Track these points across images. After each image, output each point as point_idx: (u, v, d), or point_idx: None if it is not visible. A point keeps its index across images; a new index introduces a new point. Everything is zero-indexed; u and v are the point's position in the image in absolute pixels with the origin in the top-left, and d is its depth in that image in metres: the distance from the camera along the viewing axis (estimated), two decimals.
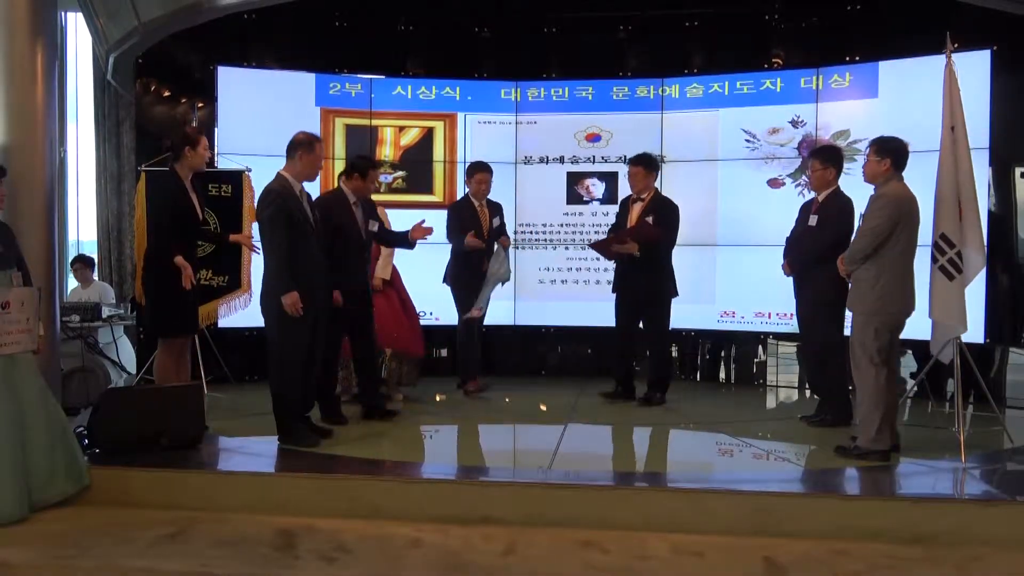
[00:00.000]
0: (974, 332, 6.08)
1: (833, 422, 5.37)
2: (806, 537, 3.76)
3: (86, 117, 9.59)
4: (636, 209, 6.19)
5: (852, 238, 4.83)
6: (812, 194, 5.73)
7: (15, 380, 4.05)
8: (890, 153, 4.57)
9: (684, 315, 7.10)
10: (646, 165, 6.18)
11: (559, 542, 3.75)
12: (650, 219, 6.07)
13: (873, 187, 4.70)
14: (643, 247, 6.00)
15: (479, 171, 6.53)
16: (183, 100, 7.36)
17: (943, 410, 5.64)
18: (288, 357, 4.77)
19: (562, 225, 7.55)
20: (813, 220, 5.40)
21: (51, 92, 4.97)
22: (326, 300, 4.97)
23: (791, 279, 5.64)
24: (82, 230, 10.07)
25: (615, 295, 6.35)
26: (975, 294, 5.90)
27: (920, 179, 4.81)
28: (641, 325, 6.25)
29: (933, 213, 4.89)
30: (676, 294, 6.27)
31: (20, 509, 3.94)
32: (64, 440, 4.20)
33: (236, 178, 6.48)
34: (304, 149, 4.81)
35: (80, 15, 8.08)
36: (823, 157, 5.45)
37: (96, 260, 8.75)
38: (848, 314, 5.39)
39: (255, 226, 5.21)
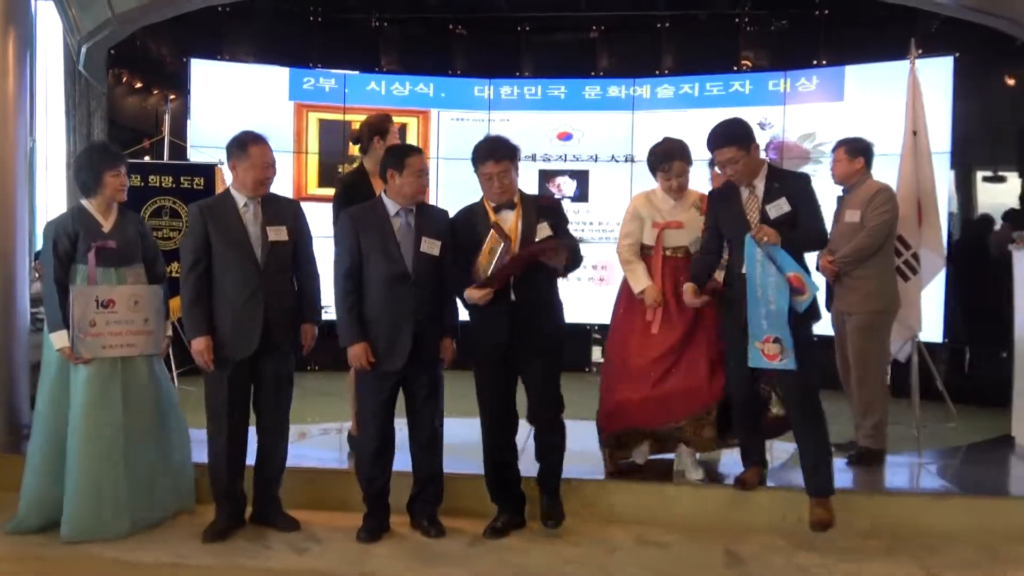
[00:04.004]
0: (933, 332, 6.23)
1: None
2: (767, 530, 3.84)
3: (55, 107, 9.46)
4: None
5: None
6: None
7: (125, 387, 3.75)
8: (862, 152, 4.61)
9: None
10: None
11: (528, 533, 3.81)
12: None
13: (842, 187, 4.71)
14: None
15: (721, 146, 3.78)
16: (155, 92, 7.36)
17: (901, 406, 5.74)
18: (210, 416, 3.82)
19: None
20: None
21: (23, 82, 4.92)
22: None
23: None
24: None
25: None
26: (935, 295, 6.05)
27: (882, 181, 4.91)
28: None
29: None
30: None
31: (96, 531, 3.66)
32: (178, 461, 3.97)
33: (208, 171, 6.46)
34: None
35: (50, 3, 7.99)
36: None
37: None
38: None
39: None
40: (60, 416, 3.73)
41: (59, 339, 3.67)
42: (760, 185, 3.77)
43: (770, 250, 3.60)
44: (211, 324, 3.68)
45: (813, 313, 3.74)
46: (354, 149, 7.36)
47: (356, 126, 7.36)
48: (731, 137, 3.73)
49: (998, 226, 6.45)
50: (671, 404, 3.97)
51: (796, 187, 3.76)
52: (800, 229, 3.69)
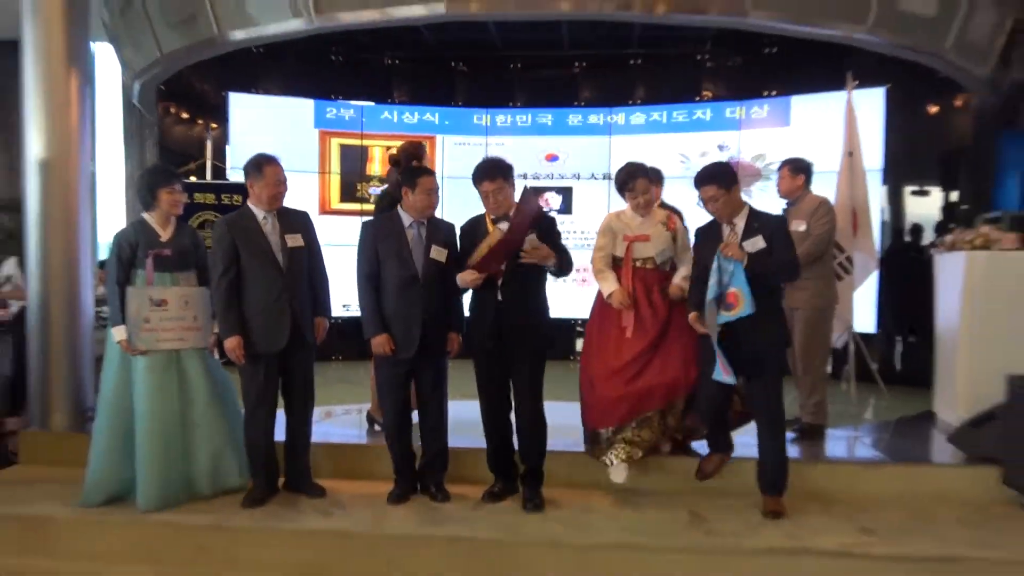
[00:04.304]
0: (868, 323, 6.31)
1: None
2: (728, 494, 3.87)
3: (114, 135, 9.51)
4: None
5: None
6: None
7: (180, 377, 3.77)
8: (803, 170, 4.62)
9: None
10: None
11: (520, 498, 3.83)
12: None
13: (786, 201, 4.72)
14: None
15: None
16: (199, 122, 7.41)
17: (839, 388, 5.80)
18: (246, 403, 3.84)
19: None
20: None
21: (84, 115, 4.96)
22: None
23: None
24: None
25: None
26: (870, 292, 6.13)
27: (821, 195, 4.95)
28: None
29: None
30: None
31: (165, 502, 3.67)
32: (230, 442, 3.90)
33: (245, 189, 6.48)
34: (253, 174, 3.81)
35: (108, 45, 8.04)
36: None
37: None
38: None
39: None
40: (123, 403, 3.75)
41: (118, 333, 3.71)
42: (740, 223, 3.69)
43: (731, 267, 3.52)
44: (242, 325, 3.70)
45: (785, 340, 3.77)
46: (371, 169, 7.54)
47: (371, 150, 7.53)
48: (713, 176, 3.68)
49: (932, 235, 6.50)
50: (646, 397, 3.89)
51: (772, 227, 3.68)
52: (774, 261, 3.61)
